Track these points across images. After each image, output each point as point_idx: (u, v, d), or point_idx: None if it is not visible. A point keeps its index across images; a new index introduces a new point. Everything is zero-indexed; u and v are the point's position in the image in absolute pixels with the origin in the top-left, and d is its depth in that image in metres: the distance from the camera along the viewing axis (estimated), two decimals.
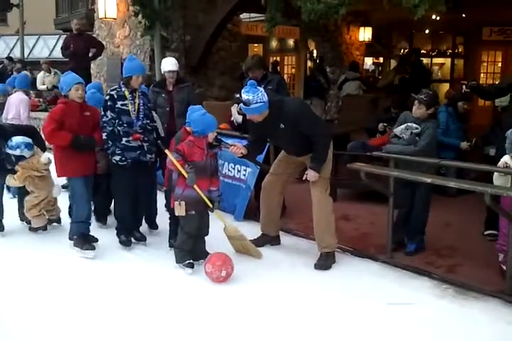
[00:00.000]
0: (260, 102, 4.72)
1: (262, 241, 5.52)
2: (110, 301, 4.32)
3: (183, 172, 4.72)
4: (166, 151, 4.83)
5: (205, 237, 5.04)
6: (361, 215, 6.47)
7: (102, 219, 6.20)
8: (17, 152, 5.72)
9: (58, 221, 6.16)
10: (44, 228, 5.97)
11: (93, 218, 5.86)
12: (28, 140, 5.78)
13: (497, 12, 11.03)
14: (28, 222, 6.05)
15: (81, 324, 3.95)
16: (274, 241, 5.60)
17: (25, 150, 5.73)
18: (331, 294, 4.46)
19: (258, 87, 4.79)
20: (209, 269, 4.63)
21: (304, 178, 5.01)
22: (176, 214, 4.79)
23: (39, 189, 5.86)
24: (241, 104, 4.88)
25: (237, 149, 5.07)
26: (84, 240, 5.34)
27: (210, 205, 4.82)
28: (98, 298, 4.37)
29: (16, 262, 5.13)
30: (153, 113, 5.83)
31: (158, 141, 5.35)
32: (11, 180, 5.81)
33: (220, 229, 5.12)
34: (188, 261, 4.86)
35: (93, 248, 5.28)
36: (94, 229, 5.78)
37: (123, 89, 5.24)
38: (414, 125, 5.14)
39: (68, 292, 4.47)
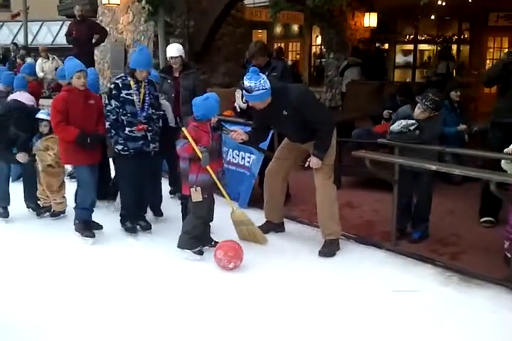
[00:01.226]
0: (262, 89, 4.70)
1: (266, 228, 5.52)
2: (113, 288, 4.34)
3: (198, 152, 4.70)
4: (183, 129, 4.81)
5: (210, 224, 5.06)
6: (365, 203, 6.46)
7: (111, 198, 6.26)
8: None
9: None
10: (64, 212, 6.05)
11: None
12: None
13: None
14: (34, 209, 6.07)
15: (81, 310, 3.98)
16: (279, 228, 5.60)
17: None
18: (335, 281, 4.47)
19: (260, 74, 4.76)
20: (220, 255, 4.63)
21: (306, 165, 5.00)
22: (193, 200, 4.78)
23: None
24: (243, 91, 4.86)
25: (238, 135, 5.08)
26: (85, 226, 5.37)
27: (223, 190, 4.89)
28: (100, 285, 4.39)
29: (20, 248, 5.15)
30: (164, 101, 5.81)
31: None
32: (46, 155, 5.78)
33: (224, 217, 5.12)
34: (198, 248, 4.88)
35: (93, 235, 5.30)
36: (102, 215, 5.83)
37: (128, 79, 5.19)
38: (410, 121, 5.03)
39: (69, 278, 4.49)
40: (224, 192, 5.00)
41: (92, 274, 4.59)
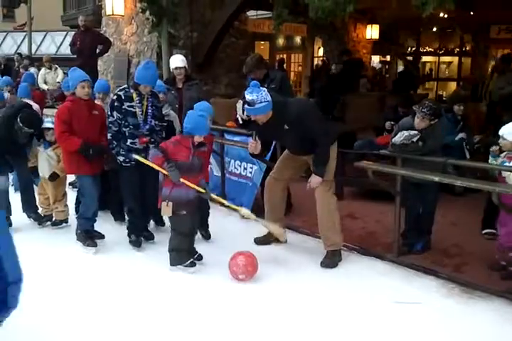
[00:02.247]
0: (265, 101, 4.71)
1: (268, 238, 5.51)
2: (114, 298, 4.33)
3: (163, 171, 4.70)
4: (136, 156, 4.95)
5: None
6: (368, 214, 6.45)
7: (119, 218, 6.15)
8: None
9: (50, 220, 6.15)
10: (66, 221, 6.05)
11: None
12: None
13: (505, 10, 10.97)
14: (35, 218, 6.07)
15: (80, 320, 3.96)
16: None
17: None
18: (337, 292, 4.46)
19: (261, 88, 4.78)
20: (240, 263, 4.59)
21: (308, 187, 5.01)
22: (162, 214, 4.80)
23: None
24: (245, 106, 4.86)
25: (254, 148, 5.07)
26: (87, 236, 5.37)
27: (203, 190, 4.76)
28: (102, 295, 4.38)
29: (22, 257, 5.13)
30: (172, 112, 5.83)
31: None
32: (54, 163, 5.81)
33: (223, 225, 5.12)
34: (189, 261, 4.84)
35: (95, 245, 5.30)
36: (106, 223, 5.85)
37: (131, 91, 5.17)
38: (412, 132, 5.03)
39: (71, 287, 4.48)
40: (220, 199, 4.97)
41: (93, 284, 4.58)
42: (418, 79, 13.86)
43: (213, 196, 4.89)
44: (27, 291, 4.30)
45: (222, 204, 5.17)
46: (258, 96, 4.68)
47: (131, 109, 5.16)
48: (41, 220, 6.07)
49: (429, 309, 4.18)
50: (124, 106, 5.15)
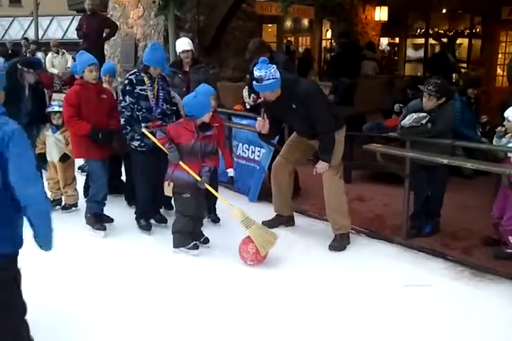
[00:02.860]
0: (273, 78, 4.67)
1: (276, 222, 5.52)
2: (123, 282, 4.35)
3: (165, 150, 4.74)
4: (143, 130, 4.93)
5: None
6: (376, 197, 6.44)
7: (132, 203, 6.09)
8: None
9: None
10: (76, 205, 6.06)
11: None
12: None
13: None
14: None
15: (86, 304, 3.99)
16: (288, 221, 5.59)
17: None
18: (346, 276, 4.46)
19: (270, 64, 4.74)
20: (251, 250, 4.58)
21: (314, 173, 4.98)
22: (165, 193, 4.80)
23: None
24: (253, 82, 4.82)
25: (262, 126, 5.02)
26: (96, 220, 5.38)
27: (198, 179, 4.72)
28: (110, 280, 4.40)
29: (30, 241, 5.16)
30: (176, 95, 5.80)
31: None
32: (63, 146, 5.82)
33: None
34: (192, 243, 4.86)
35: (104, 228, 5.31)
36: (115, 207, 5.86)
37: (142, 74, 5.15)
38: (421, 114, 4.99)
39: (79, 271, 4.50)
40: (213, 191, 4.90)
41: (100, 267, 4.59)
42: (455, 65, 12.49)
43: (207, 187, 4.81)
44: (35, 274, 4.36)
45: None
46: (267, 72, 4.64)
47: (144, 92, 5.15)
48: (51, 204, 6.07)
49: (439, 291, 4.17)
50: (136, 90, 5.13)
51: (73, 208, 6.06)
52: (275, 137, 5.59)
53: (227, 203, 4.94)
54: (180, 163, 4.70)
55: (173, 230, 4.93)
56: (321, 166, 4.91)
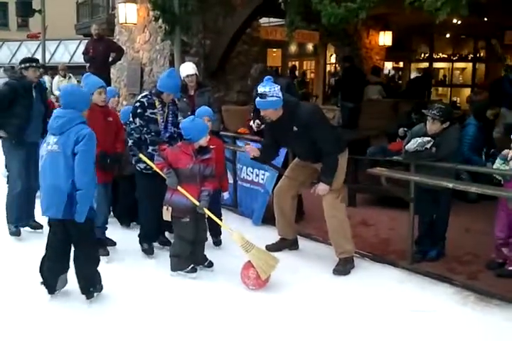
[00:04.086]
0: (276, 97, 4.71)
1: (280, 245, 5.50)
2: (126, 308, 4.32)
3: (162, 175, 4.76)
4: (140, 155, 4.97)
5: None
6: (381, 221, 6.41)
7: (125, 221, 6.24)
8: None
9: None
10: None
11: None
12: None
13: None
14: (34, 227, 6.00)
15: (85, 326, 3.95)
16: (293, 245, 5.57)
17: None
18: (351, 300, 4.42)
19: (274, 84, 4.78)
20: (252, 275, 4.56)
21: (312, 191, 4.98)
22: (164, 218, 4.80)
23: None
24: (256, 99, 4.83)
25: (251, 150, 5.09)
26: (99, 245, 5.34)
27: (197, 203, 4.71)
28: (115, 305, 4.37)
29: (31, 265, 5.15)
30: (182, 119, 5.84)
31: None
32: None
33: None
34: (190, 267, 4.84)
35: (107, 253, 5.27)
36: (119, 229, 5.85)
37: (153, 98, 5.19)
38: (426, 138, 4.99)
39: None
40: (212, 216, 4.88)
41: (107, 292, 4.56)
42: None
43: (207, 211, 4.80)
44: (41, 297, 4.34)
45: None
46: (271, 89, 4.69)
47: (153, 115, 5.17)
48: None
49: (445, 317, 4.13)
50: (146, 113, 5.16)
51: None
52: (272, 159, 5.59)
53: (227, 228, 4.93)
54: (179, 188, 4.71)
55: (170, 254, 4.92)
56: (322, 188, 4.89)
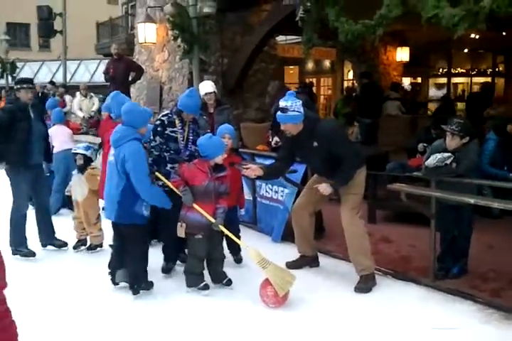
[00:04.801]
0: (298, 111, 4.75)
1: (300, 262, 5.47)
2: (139, 320, 4.32)
3: (178, 193, 4.78)
4: (156, 174, 4.99)
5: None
6: (402, 237, 6.35)
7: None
8: (88, 152, 6.02)
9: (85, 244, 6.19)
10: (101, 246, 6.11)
11: None
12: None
13: None
14: (58, 245, 6.09)
15: None
16: (313, 262, 5.53)
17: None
18: (373, 318, 4.36)
19: (296, 99, 4.81)
20: (270, 293, 4.52)
21: (315, 186, 4.95)
22: (178, 234, 4.81)
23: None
24: (278, 113, 4.85)
25: (251, 171, 5.07)
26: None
27: (212, 220, 4.72)
28: (128, 320, 4.37)
29: (53, 284, 5.19)
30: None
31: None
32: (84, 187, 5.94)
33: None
34: (202, 284, 4.83)
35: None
36: None
37: (174, 117, 5.22)
38: (446, 154, 4.97)
39: (94, 313, 4.50)
40: (228, 233, 4.88)
41: (119, 308, 4.58)
42: None
43: (222, 228, 4.80)
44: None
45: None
46: (292, 104, 4.73)
47: (173, 134, 5.20)
48: (76, 244, 6.10)
49: (468, 335, 4.06)
50: (166, 132, 5.19)
51: (98, 248, 6.08)
52: (278, 176, 5.60)
53: (244, 244, 4.93)
54: (194, 205, 4.73)
55: (184, 270, 4.96)
56: (325, 187, 4.85)
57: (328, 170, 5.02)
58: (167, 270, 5.37)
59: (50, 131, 7.65)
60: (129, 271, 4.77)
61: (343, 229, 5.01)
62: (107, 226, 6.03)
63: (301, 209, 5.39)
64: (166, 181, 4.95)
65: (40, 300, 4.74)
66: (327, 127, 4.86)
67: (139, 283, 4.77)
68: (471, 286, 4.94)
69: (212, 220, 4.73)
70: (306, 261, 5.51)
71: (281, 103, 4.79)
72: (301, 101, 4.83)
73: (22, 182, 5.78)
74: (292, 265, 5.36)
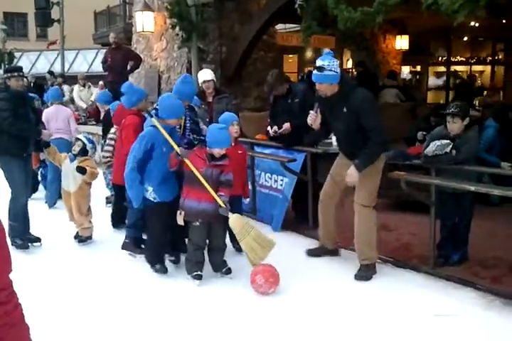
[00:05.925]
0: (334, 72, 4.61)
1: (319, 251, 5.45)
2: (136, 309, 4.32)
3: (175, 147, 4.71)
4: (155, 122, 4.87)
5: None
6: (402, 225, 6.35)
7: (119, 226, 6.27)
8: (88, 145, 5.96)
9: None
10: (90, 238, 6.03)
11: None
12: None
13: None
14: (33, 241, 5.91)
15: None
16: (332, 254, 5.48)
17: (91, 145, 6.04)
18: (373, 305, 4.37)
19: (335, 58, 4.68)
20: (260, 282, 4.53)
21: (344, 181, 4.87)
22: (178, 222, 4.80)
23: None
24: (314, 71, 4.70)
25: (314, 119, 4.92)
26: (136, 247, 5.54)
27: (223, 205, 4.67)
28: (124, 307, 4.38)
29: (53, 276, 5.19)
30: (205, 127, 5.83)
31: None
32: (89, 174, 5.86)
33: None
34: (195, 273, 4.81)
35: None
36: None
37: None
38: (445, 141, 4.95)
39: (93, 302, 4.50)
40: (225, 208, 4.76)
41: (118, 296, 4.58)
42: None
43: (230, 215, 4.75)
44: (51, 304, 4.37)
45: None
46: (330, 63, 4.60)
47: None
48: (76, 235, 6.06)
49: (470, 321, 4.07)
50: None
51: (88, 240, 5.99)
52: (322, 138, 5.54)
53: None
54: (186, 160, 4.66)
55: (185, 256, 4.97)
56: (352, 173, 4.71)
57: (351, 144, 4.89)
58: (164, 268, 5.28)
59: (46, 111, 7.58)
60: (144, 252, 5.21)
61: (348, 217, 4.97)
62: (97, 219, 6.07)
63: (328, 197, 5.26)
64: (164, 133, 4.75)
65: (37, 291, 4.74)
66: (361, 96, 4.70)
67: (152, 264, 5.00)
68: (472, 273, 4.94)
69: (223, 204, 4.69)
70: (326, 252, 5.45)
71: (318, 62, 4.62)
72: (338, 63, 4.68)
73: (17, 171, 5.66)
74: (311, 252, 5.35)
